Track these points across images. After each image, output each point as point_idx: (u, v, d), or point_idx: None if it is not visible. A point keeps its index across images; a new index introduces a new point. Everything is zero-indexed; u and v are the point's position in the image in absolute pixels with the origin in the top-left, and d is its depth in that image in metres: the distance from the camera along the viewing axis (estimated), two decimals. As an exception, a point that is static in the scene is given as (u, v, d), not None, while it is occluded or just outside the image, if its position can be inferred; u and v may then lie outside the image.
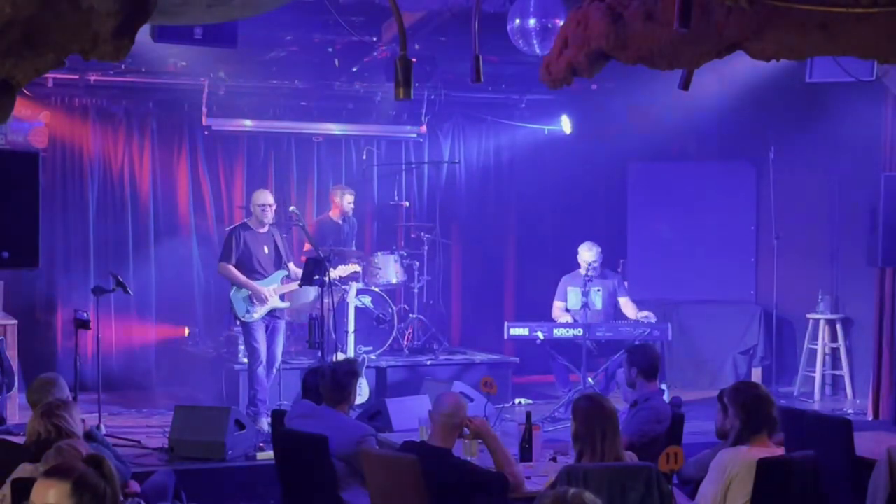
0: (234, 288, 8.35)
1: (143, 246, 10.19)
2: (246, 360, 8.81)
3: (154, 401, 9.25)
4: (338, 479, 5.23)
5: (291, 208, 9.03)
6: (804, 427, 5.70)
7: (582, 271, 8.97)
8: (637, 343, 7.72)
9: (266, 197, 8.50)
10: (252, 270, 8.34)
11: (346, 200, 9.72)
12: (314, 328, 7.91)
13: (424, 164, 11.11)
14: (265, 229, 8.45)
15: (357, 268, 9.22)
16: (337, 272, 8.87)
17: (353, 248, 9.83)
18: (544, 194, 11.30)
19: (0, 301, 8.88)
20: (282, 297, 8.39)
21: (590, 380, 8.62)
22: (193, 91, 9.99)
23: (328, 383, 5.54)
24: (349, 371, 5.63)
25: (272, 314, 8.36)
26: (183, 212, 10.39)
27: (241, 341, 8.95)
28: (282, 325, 8.48)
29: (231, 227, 8.83)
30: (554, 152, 11.12)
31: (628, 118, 10.85)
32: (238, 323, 8.56)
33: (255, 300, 8.25)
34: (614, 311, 9.14)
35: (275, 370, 8.35)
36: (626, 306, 9.15)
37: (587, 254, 9.00)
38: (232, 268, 8.35)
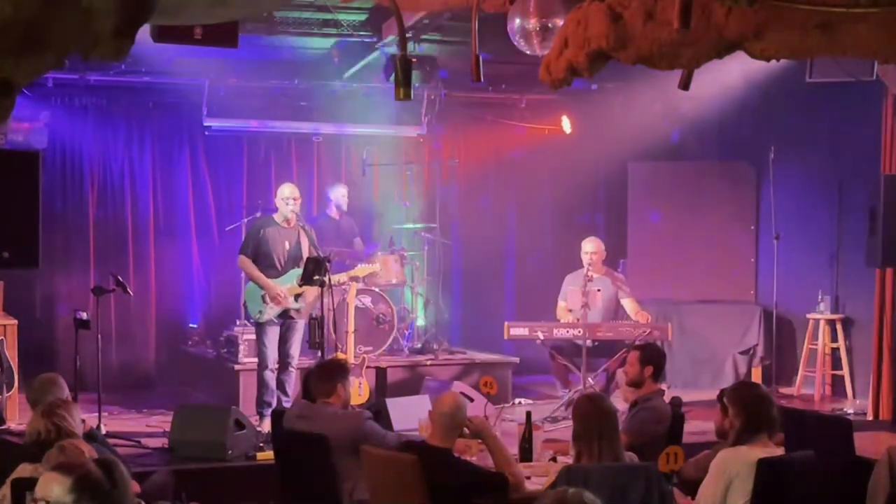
0: (250, 285, 8.20)
1: (143, 246, 10.18)
2: (246, 360, 8.81)
3: (154, 401, 9.23)
4: (340, 477, 5.22)
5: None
6: (804, 427, 5.70)
7: (584, 268, 8.96)
8: (643, 342, 7.64)
9: (288, 191, 8.17)
10: (269, 266, 8.07)
11: (340, 194, 9.71)
12: (314, 328, 7.88)
13: (424, 164, 11.11)
14: (290, 225, 8.17)
15: (377, 268, 9.14)
16: (355, 272, 8.86)
17: (356, 246, 9.79)
18: (544, 194, 11.29)
19: (0, 301, 8.88)
20: (296, 298, 8.09)
21: (590, 380, 8.61)
22: (193, 91, 9.98)
23: (314, 376, 5.59)
24: (337, 364, 5.65)
25: (287, 314, 8.09)
26: (183, 212, 10.38)
27: (241, 341, 8.94)
28: (298, 324, 8.14)
29: (251, 217, 8.71)
30: (554, 152, 11.11)
31: (628, 118, 10.84)
32: (250, 321, 8.42)
33: (268, 299, 8.01)
34: (614, 312, 9.12)
35: (292, 370, 8.13)
36: (631, 308, 9.03)
37: (588, 245, 8.98)
38: (249, 262, 8.10)
